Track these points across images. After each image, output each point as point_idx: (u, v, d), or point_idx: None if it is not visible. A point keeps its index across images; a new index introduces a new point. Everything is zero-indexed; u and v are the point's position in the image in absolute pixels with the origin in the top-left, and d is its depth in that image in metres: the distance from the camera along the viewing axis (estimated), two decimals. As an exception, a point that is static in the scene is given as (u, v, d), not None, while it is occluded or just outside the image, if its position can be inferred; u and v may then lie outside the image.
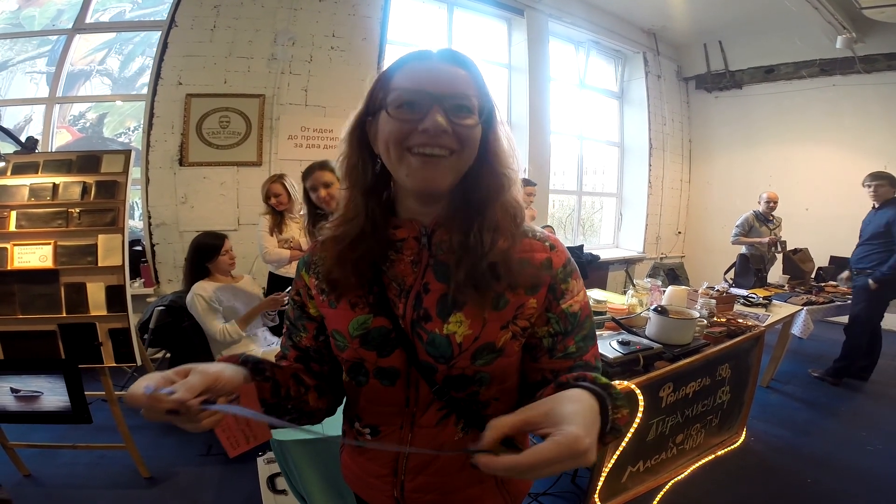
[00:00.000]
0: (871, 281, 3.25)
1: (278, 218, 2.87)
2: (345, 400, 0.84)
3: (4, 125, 2.31)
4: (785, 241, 4.03)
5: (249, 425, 0.62)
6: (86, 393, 2.00)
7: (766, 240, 4.06)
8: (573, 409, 0.49)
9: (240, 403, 0.58)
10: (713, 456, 2.39)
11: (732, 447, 2.51)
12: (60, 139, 3.93)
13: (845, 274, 3.75)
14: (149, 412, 0.50)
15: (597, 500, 1.90)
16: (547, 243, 0.73)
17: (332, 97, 3.83)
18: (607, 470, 1.88)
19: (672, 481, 2.16)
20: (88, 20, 3.72)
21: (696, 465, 2.29)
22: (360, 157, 0.70)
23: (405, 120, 0.62)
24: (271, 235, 2.85)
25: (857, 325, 3.39)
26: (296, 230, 2.88)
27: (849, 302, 3.51)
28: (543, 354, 0.71)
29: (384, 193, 0.72)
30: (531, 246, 0.71)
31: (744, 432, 2.60)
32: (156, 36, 3.53)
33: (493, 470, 0.46)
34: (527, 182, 3.47)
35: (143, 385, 0.50)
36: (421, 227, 0.71)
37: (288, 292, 2.34)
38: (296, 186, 2.84)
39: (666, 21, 5.49)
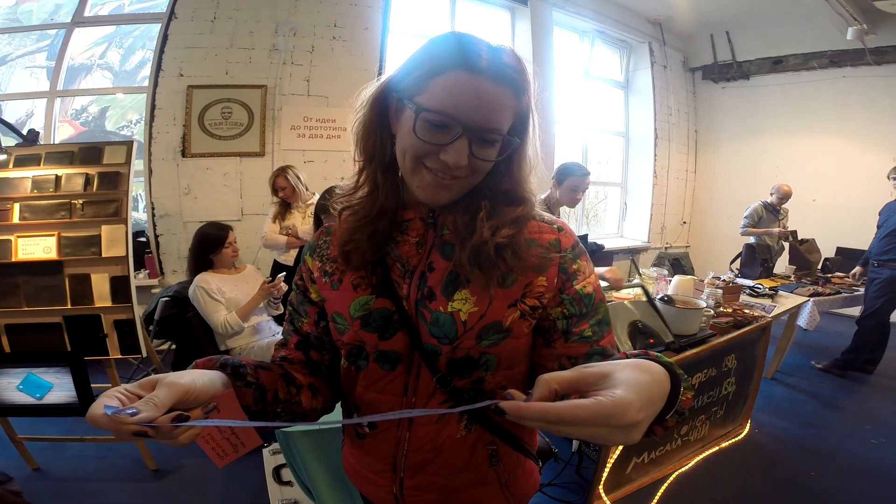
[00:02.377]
0: None
1: (284, 206, 3.03)
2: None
3: (6, 119, 2.30)
4: (796, 231, 3.99)
5: (236, 433, 0.57)
6: (92, 385, 2.01)
7: (776, 231, 4.02)
8: (636, 378, 0.42)
9: (218, 413, 0.53)
10: (717, 448, 2.39)
11: (736, 439, 2.51)
12: (63, 133, 3.93)
13: (858, 269, 3.70)
14: (116, 434, 0.44)
15: (601, 491, 1.90)
16: (555, 226, 0.72)
17: (334, 87, 3.80)
18: (612, 461, 1.89)
19: (676, 473, 2.16)
20: (87, 14, 3.69)
21: (701, 456, 2.30)
22: (379, 133, 0.67)
23: (429, 142, 0.60)
24: (274, 222, 3.01)
25: (874, 317, 3.36)
26: (298, 219, 3.01)
27: (855, 294, 3.48)
28: (558, 338, 0.69)
29: (399, 172, 0.71)
30: (539, 228, 0.71)
31: (748, 424, 2.60)
32: (156, 29, 3.51)
33: (521, 415, 0.40)
34: (580, 170, 2.50)
35: (103, 404, 0.44)
36: (428, 210, 0.71)
37: (280, 279, 2.38)
38: (300, 177, 2.97)
39: (672, 11, 5.41)
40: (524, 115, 0.64)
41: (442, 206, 0.68)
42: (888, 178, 3.40)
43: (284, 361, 0.77)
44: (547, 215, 0.74)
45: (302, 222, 3.00)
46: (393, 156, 0.68)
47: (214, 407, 0.52)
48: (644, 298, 1.93)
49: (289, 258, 3.08)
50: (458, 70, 0.58)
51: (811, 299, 3.16)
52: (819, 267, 4.00)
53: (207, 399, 0.53)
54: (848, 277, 3.74)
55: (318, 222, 2.38)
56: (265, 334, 2.45)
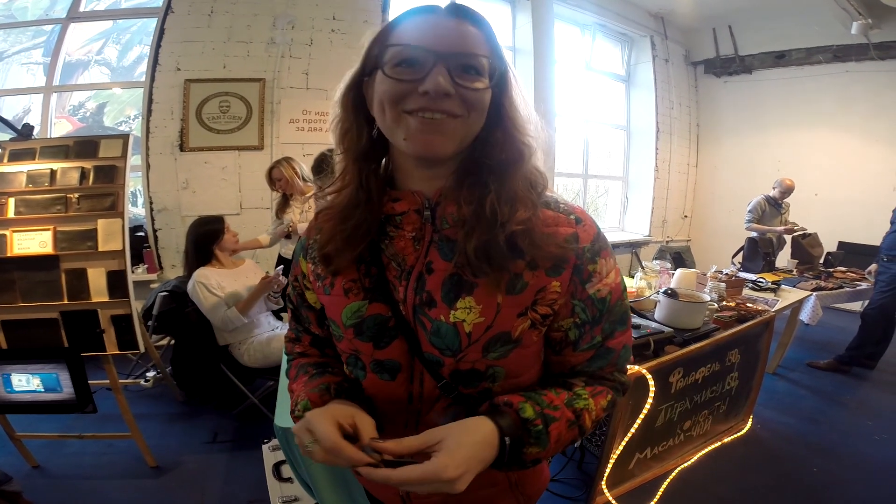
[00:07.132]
0: None
1: (285, 200, 3.02)
2: None
3: (2, 115, 2.27)
4: (804, 228, 3.97)
5: None
6: (90, 382, 1.99)
7: (780, 229, 4.01)
8: (460, 441, 0.51)
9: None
10: (720, 443, 2.37)
11: (739, 434, 2.49)
12: (61, 129, 3.91)
13: (873, 267, 3.66)
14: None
15: (604, 486, 1.89)
16: (572, 216, 0.62)
17: (333, 80, 3.59)
18: (615, 456, 1.87)
19: (679, 468, 2.15)
20: (83, 9, 3.65)
21: (703, 452, 2.28)
22: (355, 121, 0.63)
23: (403, 80, 0.54)
24: (277, 217, 3.06)
25: (878, 310, 3.33)
26: (296, 213, 2.98)
27: (858, 288, 3.46)
28: (567, 347, 0.64)
29: (382, 161, 0.66)
30: (555, 219, 0.61)
31: (750, 419, 2.59)
32: (153, 24, 3.47)
33: (371, 477, 0.50)
34: None
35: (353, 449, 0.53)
36: (423, 199, 0.62)
37: (278, 272, 2.36)
38: (296, 169, 2.94)
39: (673, 5, 5.38)
40: (498, 61, 0.59)
41: (442, 159, 0.59)
42: None
43: (302, 357, 0.75)
44: (563, 201, 0.64)
45: (299, 217, 2.96)
46: (370, 140, 0.63)
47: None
48: (648, 292, 1.91)
49: (291, 252, 3.07)
50: (414, 16, 0.57)
51: (814, 294, 3.14)
52: (821, 261, 3.98)
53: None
54: (850, 272, 3.70)
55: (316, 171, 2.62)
56: (264, 329, 2.44)
